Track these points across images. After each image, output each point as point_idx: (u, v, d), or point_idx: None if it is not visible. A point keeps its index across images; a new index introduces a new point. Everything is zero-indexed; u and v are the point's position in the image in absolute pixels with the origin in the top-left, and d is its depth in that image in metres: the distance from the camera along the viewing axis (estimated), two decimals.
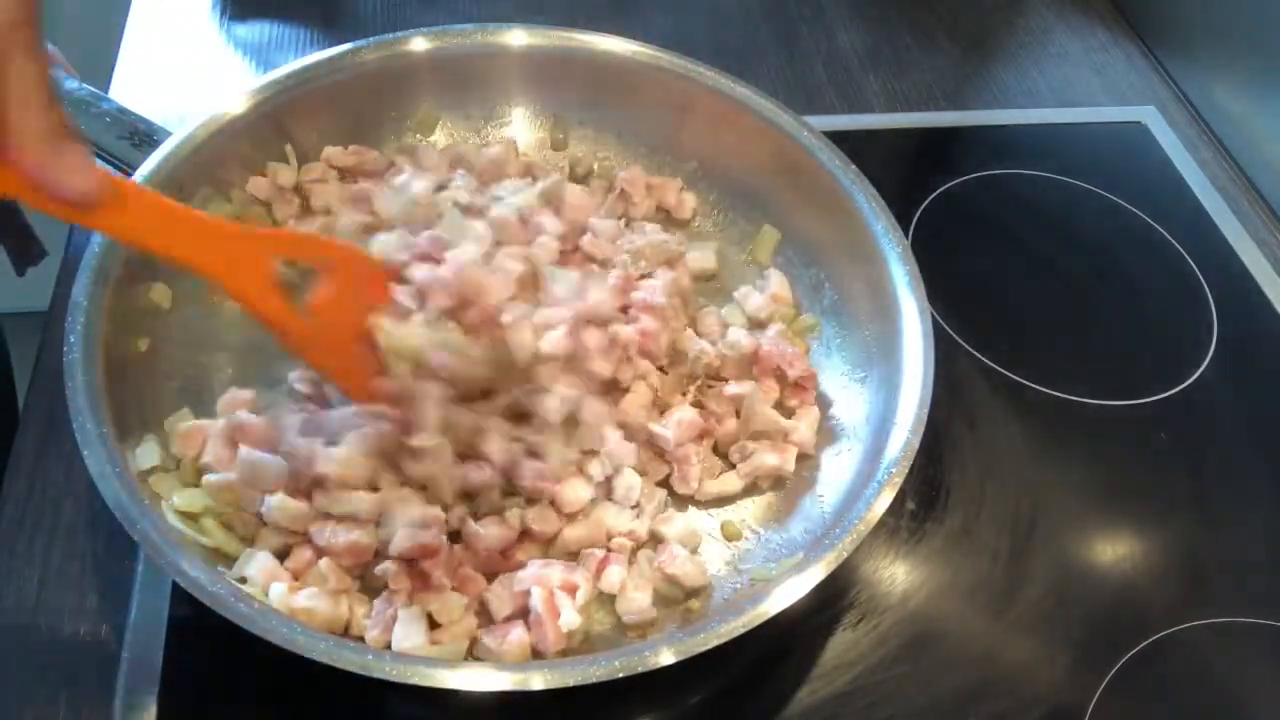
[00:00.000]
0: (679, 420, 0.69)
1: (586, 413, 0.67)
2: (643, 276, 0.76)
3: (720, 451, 0.71)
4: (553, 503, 0.65)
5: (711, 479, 0.69)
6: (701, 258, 0.80)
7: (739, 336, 0.73)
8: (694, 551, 0.66)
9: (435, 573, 0.60)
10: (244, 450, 0.63)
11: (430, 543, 0.60)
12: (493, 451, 0.64)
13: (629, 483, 0.67)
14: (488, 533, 0.62)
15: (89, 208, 0.48)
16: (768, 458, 0.68)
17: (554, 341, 0.67)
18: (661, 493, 0.68)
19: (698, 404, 0.72)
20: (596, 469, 0.67)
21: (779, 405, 0.72)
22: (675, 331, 0.73)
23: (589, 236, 0.77)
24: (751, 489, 0.70)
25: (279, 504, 0.61)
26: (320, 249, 0.67)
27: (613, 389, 0.70)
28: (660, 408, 0.71)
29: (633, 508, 0.67)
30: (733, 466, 0.70)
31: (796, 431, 0.70)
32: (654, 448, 0.69)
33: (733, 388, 0.71)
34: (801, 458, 0.70)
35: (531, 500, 0.65)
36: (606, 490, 0.67)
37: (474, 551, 0.63)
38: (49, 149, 0.45)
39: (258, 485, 0.62)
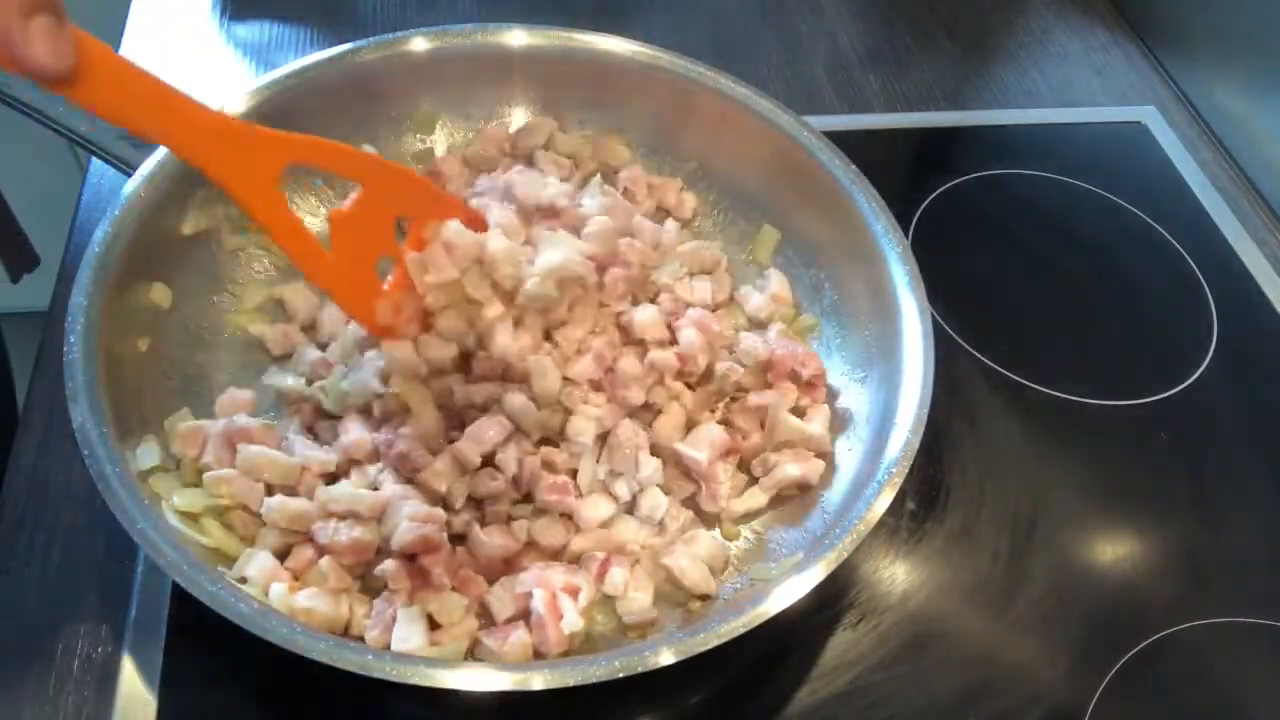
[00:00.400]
0: (710, 440, 0.68)
1: (621, 435, 0.67)
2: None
3: (744, 465, 0.70)
4: (567, 516, 0.65)
5: (736, 495, 0.69)
6: None
7: (753, 344, 0.73)
8: (718, 573, 0.65)
9: (435, 570, 0.60)
10: (243, 447, 0.63)
11: (431, 537, 0.60)
12: (507, 462, 0.64)
13: (654, 502, 0.66)
14: (491, 542, 0.62)
15: (62, 81, 0.48)
16: (790, 468, 0.67)
17: (582, 368, 0.67)
18: (688, 514, 0.68)
19: (725, 421, 0.71)
20: (623, 488, 0.66)
21: (794, 407, 0.72)
22: (715, 354, 0.72)
23: (627, 240, 0.77)
24: (776, 501, 0.69)
25: (278, 504, 0.61)
26: (345, 159, 0.62)
27: (644, 410, 0.70)
28: (688, 425, 0.70)
29: (656, 525, 0.66)
30: (754, 479, 0.69)
31: (816, 436, 0.69)
32: (680, 465, 0.68)
33: (757, 398, 0.70)
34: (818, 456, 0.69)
35: (541, 512, 0.65)
36: (630, 507, 0.67)
37: (475, 557, 0.63)
38: (19, 17, 0.45)
39: (257, 477, 0.63)
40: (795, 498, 0.69)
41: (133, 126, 0.53)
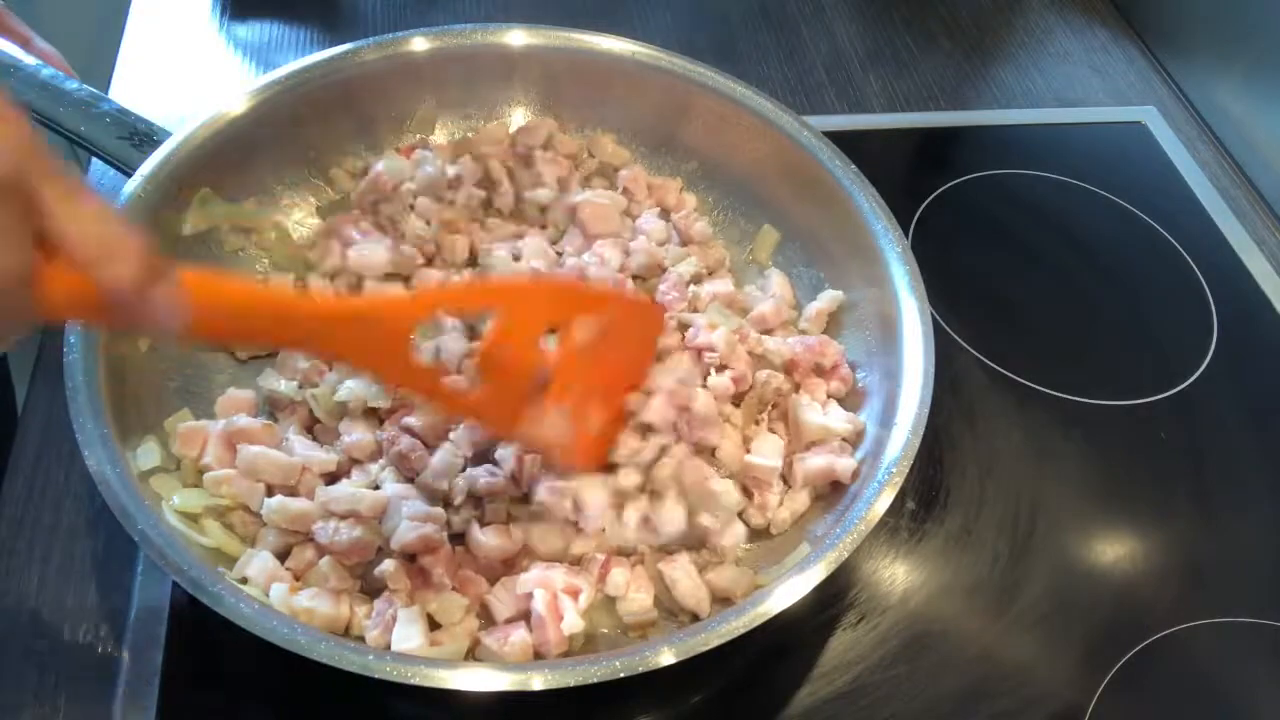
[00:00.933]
0: (776, 448, 0.68)
1: (689, 476, 0.65)
2: (693, 281, 0.76)
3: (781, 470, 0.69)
4: (569, 524, 0.64)
5: (777, 505, 0.68)
6: None
7: (776, 345, 0.72)
8: (734, 597, 0.64)
9: (435, 570, 0.60)
10: (243, 447, 0.63)
11: (431, 537, 0.60)
12: (506, 457, 0.64)
13: (739, 532, 0.65)
14: (489, 543, 0.62)
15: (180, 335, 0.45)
16: (817, 459, 0.67)
17: (656, 410, 0.65)
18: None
19: (770, 430, 0.70)
20: (710, 521, 0.65)
21: (828, 396, 0.71)
22: (752, 364, 0.71)
23: (641, 239, 0.77)
24: (816, 501, 0.68)
25: (278, 505, 0.61)
26: (473, 297, 0.60)
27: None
28: (745, 441, 0.69)
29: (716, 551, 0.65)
30: (788, 486, 0.69)
31: (838, 429, 0.68)
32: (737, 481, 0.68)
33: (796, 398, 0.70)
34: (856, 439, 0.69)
35: (537, 517, 0.65)
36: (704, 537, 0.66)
37: (474, 557, 0.63)
38: (136, 289, 0.41)
39: (257, 477, 0.63)
40: (830, 495, 0.68)
41: (256, 344, 0.54)
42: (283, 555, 0.61)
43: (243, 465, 0.63)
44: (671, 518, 0.64)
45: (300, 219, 0.79)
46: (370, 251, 0.73)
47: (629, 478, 0.65)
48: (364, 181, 0.77)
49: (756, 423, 0.71)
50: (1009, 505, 0.74)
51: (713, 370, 0.69)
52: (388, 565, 0.60)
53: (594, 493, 0.64)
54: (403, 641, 0.57)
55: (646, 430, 0.66)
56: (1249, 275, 0.91)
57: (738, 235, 0.83)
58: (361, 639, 0.59)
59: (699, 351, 0.70)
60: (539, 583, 0.60)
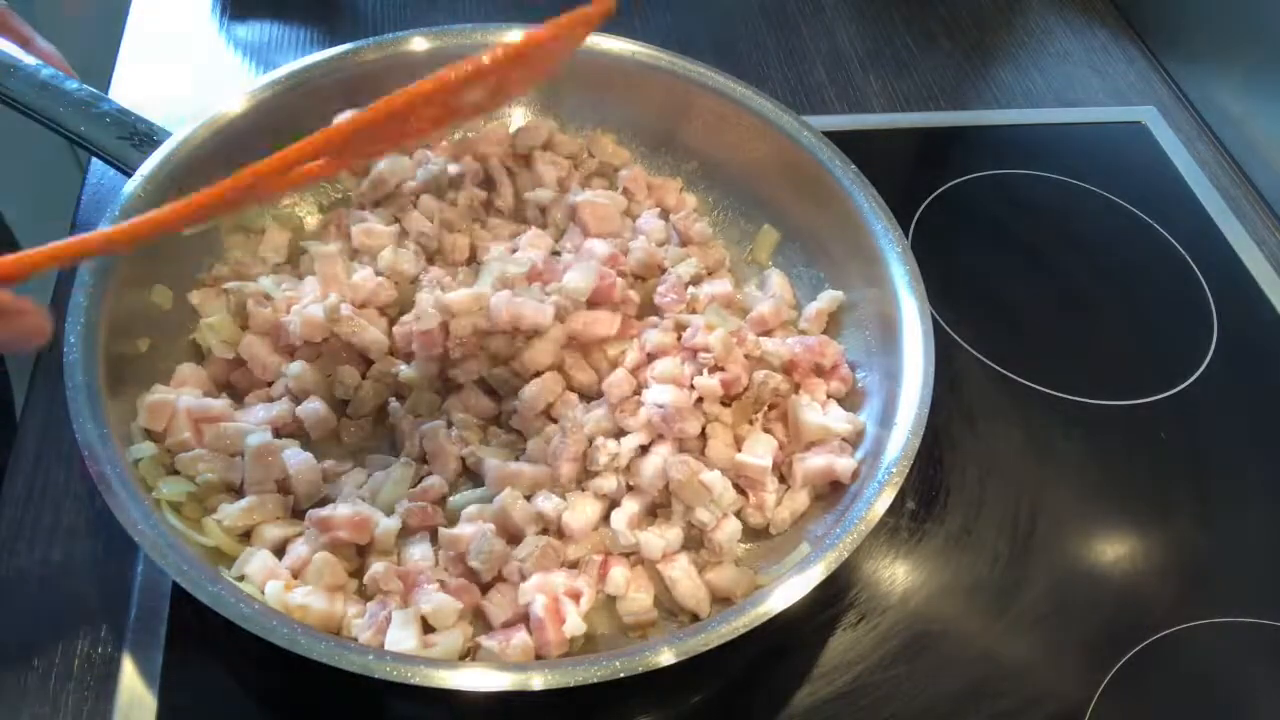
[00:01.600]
0: (769, 447, 0.67)
1: (677, 472, 0.64)
2: (692, 282, 0.76)
3: (778, 470, 0.69)
4: (560, 532, 0.64)
5: (776, 504, 0.67)
6: None
7: (775, 347, 0.72)
8: (734, 597, 0.63)
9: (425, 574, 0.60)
10: (208, 426, 0.64)
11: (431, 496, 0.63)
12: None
13: (732, 530, 0.65)
14: (461, 533, 0.62)
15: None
16: (817, 459, 0.67)
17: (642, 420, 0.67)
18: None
19: (765, 429, 0.70)
20: (705, 515, 0.65)
21: (828, 396, 0.71)
22: (749, 366, 0.71)
23: (640, 239, 0.77)
24: (815, 500, 0.68)
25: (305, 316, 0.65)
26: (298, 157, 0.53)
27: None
28: (736, 441, 0.69)
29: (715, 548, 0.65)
30: (787, 486, 0.68)
31: (839, 429, 0.68)
32: (731, 479, 0.67)
33: (795, 399, 0.70)
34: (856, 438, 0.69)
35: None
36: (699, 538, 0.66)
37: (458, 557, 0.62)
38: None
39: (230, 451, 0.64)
40: (829, 495, 0.68)
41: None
42: (280, 550, 0.61)
43: (213, 443, 0.63)
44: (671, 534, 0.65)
45: (302, 217, 0.79)
46: (374, 226, 0.74)
47: (607, 482, 0.65)
48: (366, 181, 0.77)
49: (751, 423, 0.70)
50: (1009, 505, 0.74)
51: (704, 371, 0.69)
52: (377, 568, 0.59)
53: (578, 514, 0.64)
54: (398, 644, 0.57)
55: (620, 433, 0.67)
56: (1249, 275, 0.91)
57: (738, 235, 0.83)
58: (354, 641, 0.58)
59: (694, 352, 0.70)
60: (539, 588, 0.60)
